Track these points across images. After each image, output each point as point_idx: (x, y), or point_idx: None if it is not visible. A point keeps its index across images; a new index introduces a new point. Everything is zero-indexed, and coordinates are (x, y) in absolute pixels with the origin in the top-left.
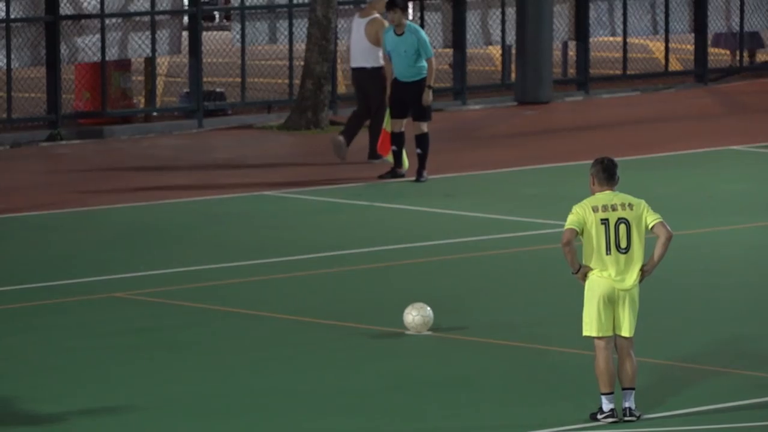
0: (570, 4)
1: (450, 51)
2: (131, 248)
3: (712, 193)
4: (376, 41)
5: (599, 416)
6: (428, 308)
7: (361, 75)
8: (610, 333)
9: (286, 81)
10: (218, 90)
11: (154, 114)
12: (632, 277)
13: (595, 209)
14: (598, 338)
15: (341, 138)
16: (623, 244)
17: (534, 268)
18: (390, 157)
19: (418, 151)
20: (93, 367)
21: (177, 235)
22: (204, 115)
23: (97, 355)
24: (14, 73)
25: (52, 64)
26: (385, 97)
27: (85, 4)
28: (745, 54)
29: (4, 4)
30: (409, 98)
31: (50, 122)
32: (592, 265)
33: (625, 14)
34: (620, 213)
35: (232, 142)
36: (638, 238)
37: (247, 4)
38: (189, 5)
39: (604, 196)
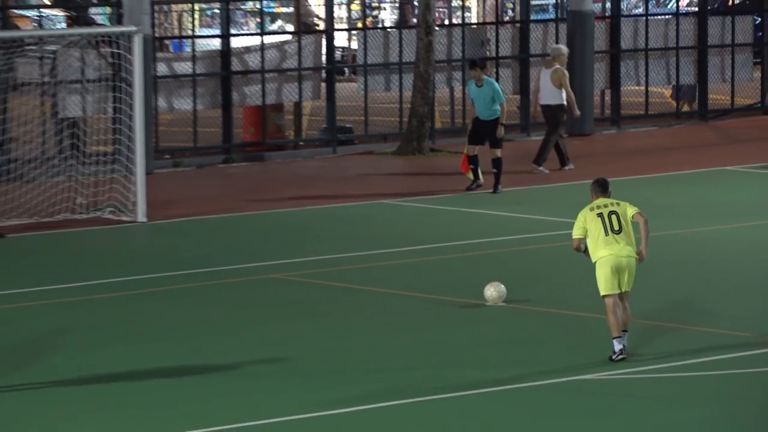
0: (606, 61)
1: (518, 96)
2: (284, 242)
3: (712, 202)
4: (558, 85)
5: (614, 357)
6: (502, 286)
7: (548, 109)
8: (616, 291)
9: (397, 119)
10: (347, 125)
11: (301, 143)
12: (628, 247)
13: (591, 209)
14: (608, 296)
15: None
16: (616, 228)
17: (573, 255)
18: (471, 175)
19: (494, 170)
20: (254, 330)
21: (318, 232)
22: (337, 144)
23: (258, 320)
24: (198, 113)
25: (226, 106)
26: (560, 121)
27: (250, 62)
28: (687, 104)
29: (191, 63)
30: (485, 131)
31: (225, 150)
32: (596, 247)
33: (646, 69)
34: (611, 208)
35: (357, 164)
36: (626, 223)
37: (369, 62)
38: (326, 63)
39: (599, 201)
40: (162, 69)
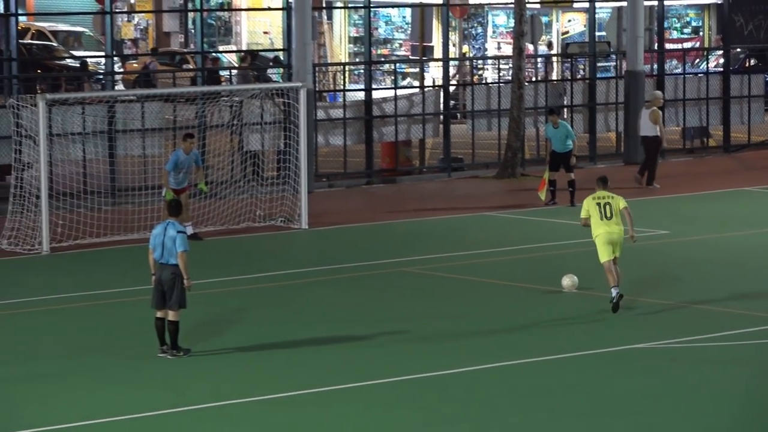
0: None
1: (587, 135)
2: (411, 243)
3: (733, 214)
4: (654, 121)
5: (612, 300)
6: (575, 277)
7: (646, 139)
8: (611, 257)
9: (496, 151)
10: (459, 156)
11: (424, 170)
12: (617, 227)
13: (593, 198)
14: (606, 262)
15: (638, 175)
16: (608, 215)
17: (635, 253)
18: (542, 195)
19: (570, 189)
20: (387, 309)
21: (436, 236)
22: (451, 171)
23: (390, 302)
24: (348, 147)
25: (368, 142)
26: (658, 149)
27: (386, 109)
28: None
29: (343, 109)
30: (561, 160)
31: (367, 174)
32: (595, 227)
33: (684, 114)
34: (606, 200)
35: (466, 185)
36: (616, 212)
37: (475, 109)
38: (443, 110)
39: (600, 192)
40: (321, 114)
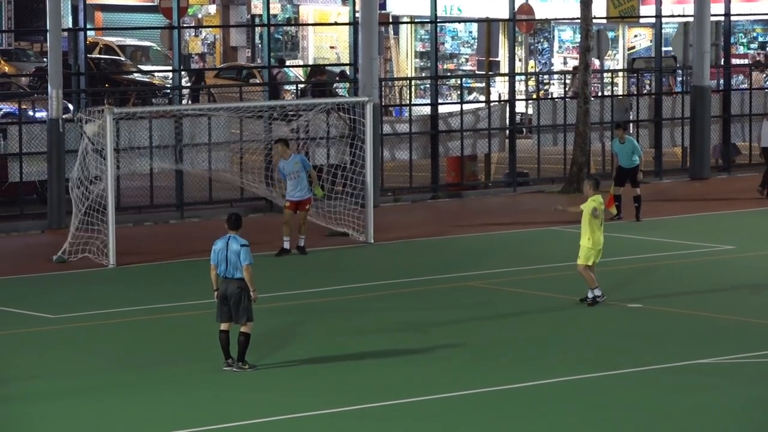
0: (719, 123)
1: (652, 150)
2: (476, 258)
3: None
4: None
5: (598, 300)
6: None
7: (766, 151)
8: (590, 263)
9: (561, 166)
10: (524, 171)
11: (489, 184)
12: (602, 237)
13: (599, 204)
14: (584, 266)
15: (760, 188)
16: (602, 221)
17: (696, 269)
18: (614, 210)
19: (636, 204)
20: (452, 324)
21: (502, 251)
22: (516, 185)
23: (452, 315)
24: (413, 162)
25: (434, 157)
26: None
27: (452, 123)
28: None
29: (408, 124)
30: (627, 176)
31: (433, 189)
32: (597, 234)
33: (750, 129)
34: (602, 206)
35: (532, 200)
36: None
37: (541, 124)
38: (509, 124)
39: (599, 197)
40: (387, 128)
